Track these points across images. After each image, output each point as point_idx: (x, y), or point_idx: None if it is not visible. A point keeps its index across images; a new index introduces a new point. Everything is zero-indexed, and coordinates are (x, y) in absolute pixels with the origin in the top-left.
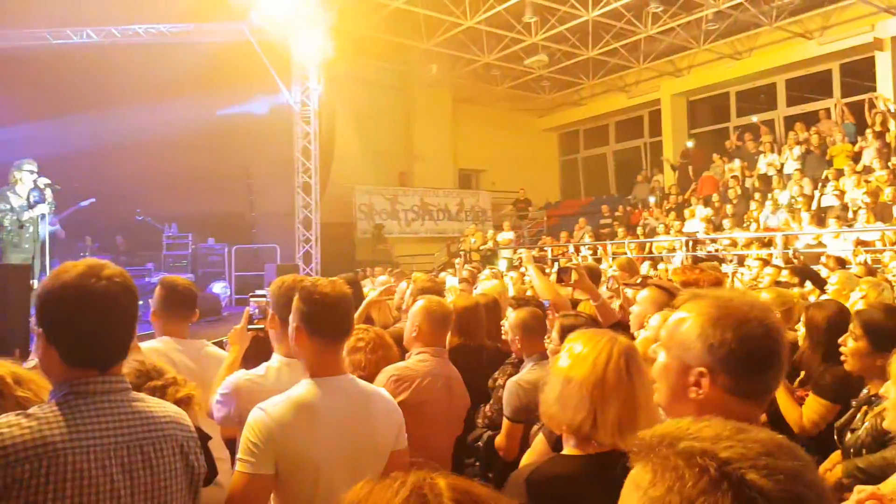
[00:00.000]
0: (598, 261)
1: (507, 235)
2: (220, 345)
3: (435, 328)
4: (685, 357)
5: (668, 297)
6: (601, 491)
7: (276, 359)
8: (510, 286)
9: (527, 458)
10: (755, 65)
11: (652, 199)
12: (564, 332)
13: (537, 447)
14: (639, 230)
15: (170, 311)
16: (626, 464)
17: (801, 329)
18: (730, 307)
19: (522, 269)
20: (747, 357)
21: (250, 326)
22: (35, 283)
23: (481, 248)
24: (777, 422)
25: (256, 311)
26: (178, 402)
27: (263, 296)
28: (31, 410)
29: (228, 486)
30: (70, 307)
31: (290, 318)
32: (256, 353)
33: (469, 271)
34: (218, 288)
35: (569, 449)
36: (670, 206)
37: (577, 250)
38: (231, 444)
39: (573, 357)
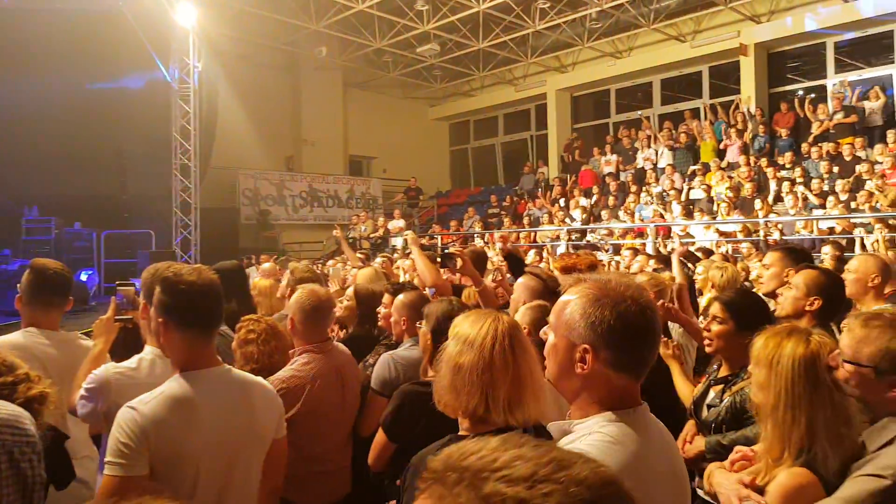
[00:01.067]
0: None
1: (397, 223)
2: (89, 336)
3: (313, 320)
4: (571, 336)
5: (540, 284)
6: None
7: (150, 351)
8: (402, 274)
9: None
10: (634, 64)
11: (538, 190)
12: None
13: None
14: (525, 219)
15: (38, 298)
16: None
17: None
18: (608, 288)
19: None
20: (625, 332)
21: (118, 317)
22: None
23: (371, 235)
24: (655, 394)
25: (124, 300)
26: (29, 401)
27: (132, 284)
28: None
29: (97, 485)
30: None
31: (154, 311)
32: (125, 345)
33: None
34: (84, 276)
35: (463, 430)
36: (554, 196)
37: (466, 239)
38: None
39: (460, 342)
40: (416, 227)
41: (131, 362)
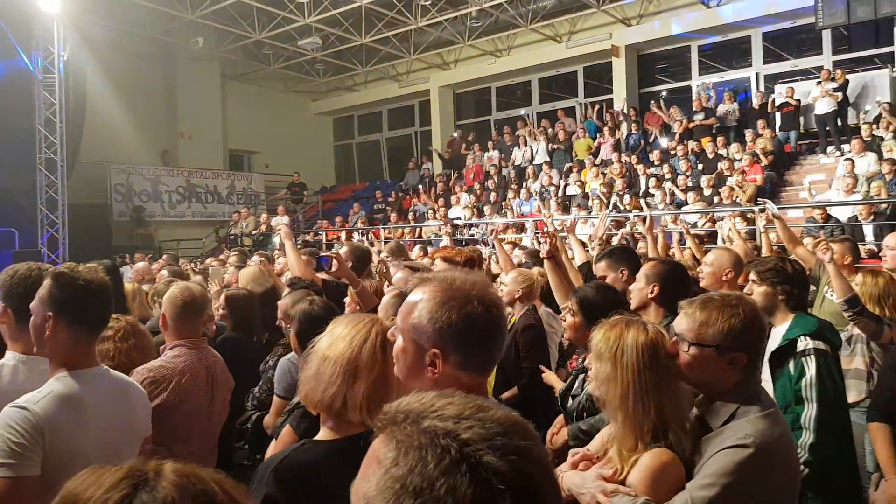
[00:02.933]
0: (371, 244)
1: (281, 220)
2: None
3: (184, 316)
4: (419, 340)
5: None
6: (353, 473)
7: (11, 356)
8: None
9: (273, 449)
10: (513, 63)
11: (421, 186)
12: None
13: (283, 438)
14: (409, 215)
15: None
16: (370, 439)
17: None
18: (454, 289)
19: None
20: (472, 334)
21: None
22: None
23: (253, 232)
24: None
25: None
26: None
27: None
28: None
29: None
30: None
31: (39, 306)
32: None
33: (236, 256)
34: None
35: (324, 432)
36: (438, 192)
37: (350, 235)
38: None
39: (333, 337)
40: (301, 223)
41: None
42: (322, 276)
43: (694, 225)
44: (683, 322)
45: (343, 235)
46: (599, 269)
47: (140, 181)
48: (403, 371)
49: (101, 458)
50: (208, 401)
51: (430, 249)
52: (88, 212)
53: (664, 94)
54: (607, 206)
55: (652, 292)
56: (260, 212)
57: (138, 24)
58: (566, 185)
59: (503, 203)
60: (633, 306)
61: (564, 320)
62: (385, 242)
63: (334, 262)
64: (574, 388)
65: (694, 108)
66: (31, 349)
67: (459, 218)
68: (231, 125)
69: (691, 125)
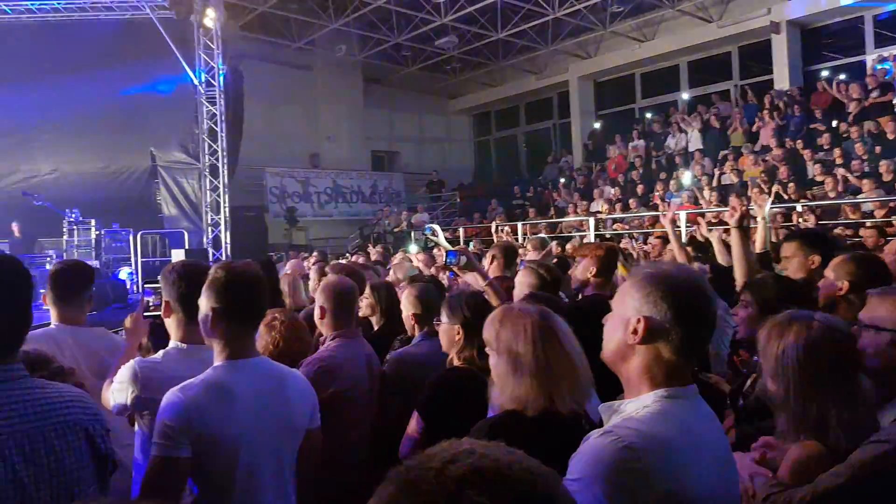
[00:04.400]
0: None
1: (421, 217)
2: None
3: (340, 308)
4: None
5: (538, 279)
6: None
7: (174, 345)
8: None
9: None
10: (658, 47)
11: (561, 180)
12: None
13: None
14: (550, 210)
15: (61, 295)
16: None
17: None
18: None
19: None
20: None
21: (146, 314)
22: None
23: (395, 230)
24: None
25: (153, 297)
26: None
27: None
28: None
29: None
30: None
31: (203, 301)
32: (156, 339)
33: (379, 252)
34: (123, 274)
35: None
36: (578, 186)
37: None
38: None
39: (501, 342)
40: (440, 220)
41: (157, 356)
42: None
43: (871, 214)
44: (868, 307)
45: (495, 227)
46: (787, 249)
47: (292, 183)
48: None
49: (251, 448)
50: (369, 387)
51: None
52: (247, 213)
53: (832, 71)
54: (768, 197)
55: (842, 290)
56: (401, 210)
57: (286, 35)
58: (721, 174)
59: (650, 195)
60: (820, 303)
61: (737, 314)
62: (524, 238)
63: (462, 257)
64: (746, 388)
65: (869, 86)
66: (192, 339)
67: (603, 211)
68: (372, 127)
69: (867, 103)
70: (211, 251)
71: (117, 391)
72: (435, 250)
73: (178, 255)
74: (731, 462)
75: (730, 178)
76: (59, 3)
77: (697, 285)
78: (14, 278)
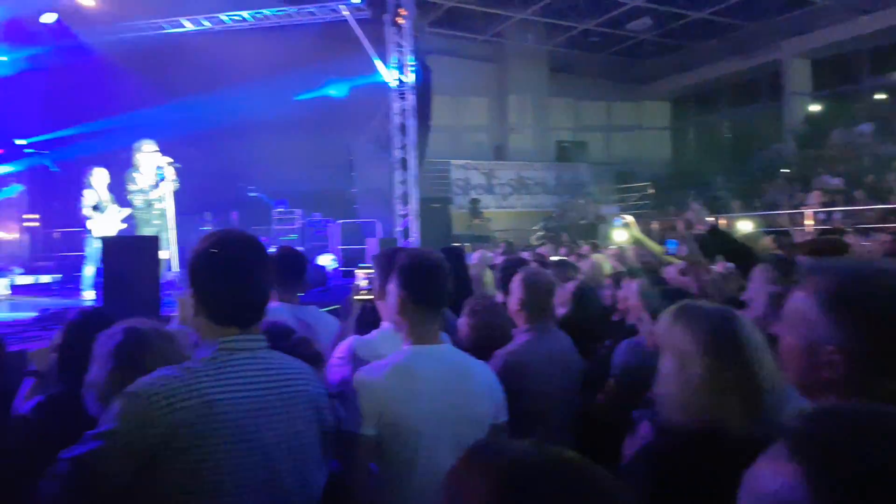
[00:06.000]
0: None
1: (609, 209)
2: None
3: (536, 301)
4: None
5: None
6: None
7: (387, 326)
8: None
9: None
10: (891, 17)
11: (773, 169)
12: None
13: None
14: (756, 203)
15: (282, 277)
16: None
17: None
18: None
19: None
20: None
21: (356, 297)
22: (161, 255)
23: (581, 221)
24: None
25: (365, 281)
26: (307, 360)
27: (370, 267)
28: (185, 364)
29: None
30: (207, 270)
31: (391, 286)
32: (363, 320)
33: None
34: (324, 260)
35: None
36: (792, 175)
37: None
38: None
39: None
40: (630, 213)
41: (372, 336)
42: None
43: None
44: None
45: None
46: None
47: (476, 175)
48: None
49: (432, 434)
50: (559, 383)
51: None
52: (432, 204)
53: None
54: None
55: None
56: (587, 202)
57: (472, 29)
58: None
59: (880, 186)
60: None
61: None
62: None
63: (683, 246)
64: None
65: None
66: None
67: (821, 203)
68: (558, 117)
69: None
70: (400, 240)
71: (336, 366)
72: (625, 243)
73: (371, 245)
74: None
75: None
76: (269, 12)
77: None
78: (256, 255)
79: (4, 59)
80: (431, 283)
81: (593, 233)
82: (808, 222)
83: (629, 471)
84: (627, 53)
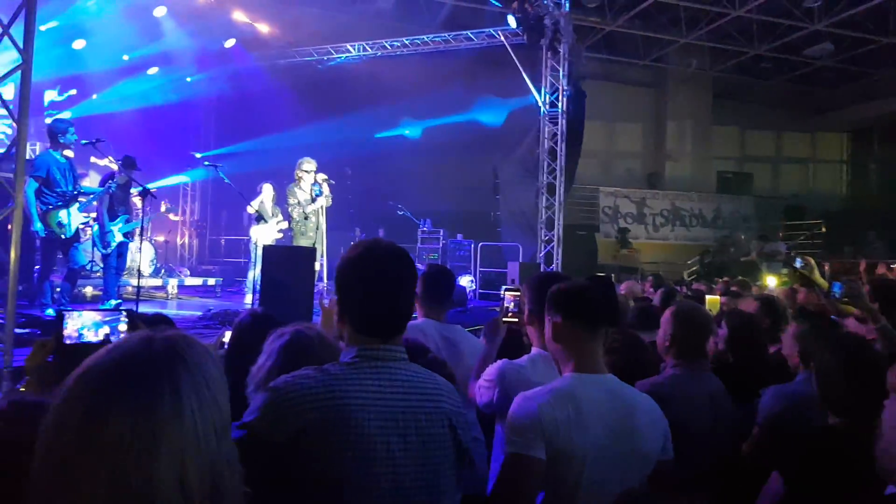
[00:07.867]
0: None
1: (776, 247)
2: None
3: (688, 335)
4: None
5: None
6: None
7: (536, 352)
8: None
9: None
10: None
11: None
12: None
13: None
14: None
15: (430, 294)
16: None
17: None
18: None
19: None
20: None
21: (505, 319)
22: (317, 266)
23: (743, 258)
24: None
25: (512, 304)
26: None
27: (517, 290)
28: (324, 366)
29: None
30: (353, 280)
31: (548, 313)
32: (510, 345)
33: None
34: (464, 281)
35: None
36: None
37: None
38: None
39: None
40: (799, 252)
41: (523, 360)
42: None
43: None
44: None
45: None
46: None
47: (626, 204)
48: None
49: (597, 467)
50: (708, 428)
51: None
52: (578, 231)
53: None
54: None
55: None
56: (750, 237)
57: (631, 53)
58: None
59: None
60: None
61: None
62: None
63: (850, 287)
64: None
65: None
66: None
67: None
68: (720, 146)
69: None
70: (543, 266)
71: (485, 388)
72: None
73: (512, 268)
74: None
75: None
76: (428, 38)
77: None
78: (404, 266)
79: (188, 79)
80: (589, 311)
81: (754, 272)
82: None
83: None
84: (802, 81)
